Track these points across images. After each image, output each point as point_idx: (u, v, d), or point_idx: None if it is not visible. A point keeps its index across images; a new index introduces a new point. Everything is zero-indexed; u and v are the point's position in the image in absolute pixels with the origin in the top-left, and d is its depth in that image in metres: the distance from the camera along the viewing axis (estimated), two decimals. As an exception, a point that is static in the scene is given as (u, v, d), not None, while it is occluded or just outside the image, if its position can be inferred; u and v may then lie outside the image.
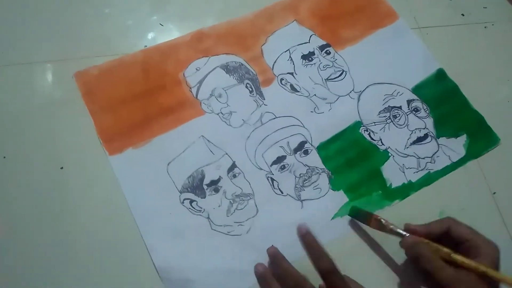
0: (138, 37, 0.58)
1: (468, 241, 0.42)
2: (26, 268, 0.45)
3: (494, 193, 0.54)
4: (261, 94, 0.57)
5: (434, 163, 0.55)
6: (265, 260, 0.47)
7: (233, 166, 0.52)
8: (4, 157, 0.50)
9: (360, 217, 0.49)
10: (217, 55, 0.58)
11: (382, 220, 0.47)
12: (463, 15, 0.66)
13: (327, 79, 0.59)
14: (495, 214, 0.53)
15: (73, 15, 0.58)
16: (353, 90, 0.58)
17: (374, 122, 0.56)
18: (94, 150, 0.51)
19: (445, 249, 0.42)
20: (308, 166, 0.53)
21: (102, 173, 0.50)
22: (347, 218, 0.50)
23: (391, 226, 0.46)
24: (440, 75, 0.60)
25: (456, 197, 0.53)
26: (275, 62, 0.59)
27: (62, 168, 0.50)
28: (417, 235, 0.45)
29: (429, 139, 0.56)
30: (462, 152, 0.56)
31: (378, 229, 0.47)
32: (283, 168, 0.52)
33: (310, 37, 0.61)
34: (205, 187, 0.50)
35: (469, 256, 0.42)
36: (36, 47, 0.56)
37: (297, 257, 0.44)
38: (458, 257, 0.41)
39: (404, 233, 0.46)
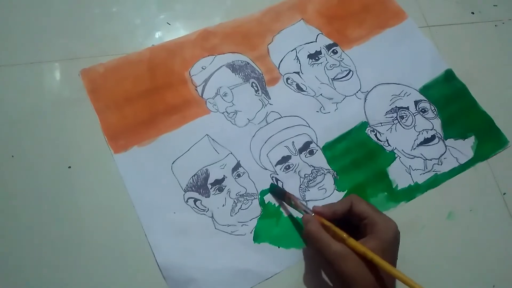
0: (146, 36, 0.58)
1: (366, 218, 0.42)
2: (33, 265, 0.46)
3: (504, 193, 0.53)
4: (266, 93, 0.57)
5: (441, 164, 0.54)
6: (270, 262, 0.47)
7: (238, 165, 0.52)
8: (12, 156, 0.50)
9: (277, 194, 0.50)
10: (223, 53, 0.58)
11: (293, 199, 0.47)
12: (473, 13, 0.65)
13: (333, 78, 0.58)
14: (505, 215, 0.53)
15: (80, 14, 0.59)
16: (360, 90, 0.58)
17: (381, 123, 0.56)
18: (102, 149, 0.51)
19: (342, 234, 0.41)
20: (313, 166, 0.53)
21: (108, 171, 0.50)
22: None
23: (300, 205, 0.46)
24: (449, 75, 0.60)
25: (465, 198, 0.53)
26: (281, 61, 0.59)
27: (70, 167, 0.50)
28: (322, 216, 0.44)
29: (436, 140, 0.55)
30: (470, 154, 0.55)
31: (292, 207, 0.48)
32: (288, 168, 0.52)
33: (317, 36, 0.61)
34: (209, 186, 0.50)
35: (365, 232, 0.42)
36: (44, 46, 0.56)
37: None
38: (352, 242, 0.40)
39: (311, 212, 0.45)
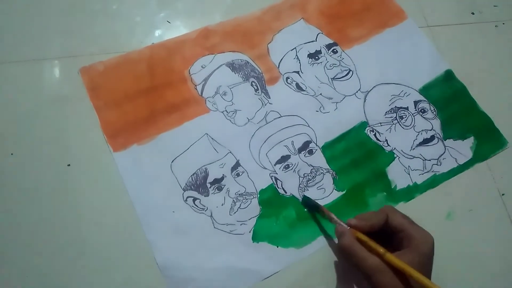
0: (146, 34, 0.58)
1: (402, 231, 0.42)
2: (31, 263, 0.46)
3: (503, 194, 0.54)
4: (266, 93, 0.56)
5: (440, 165, 0.54)
6: (269, 261, 0.47)
7: (237, 164, 0.52)
8: (12, 154, 0.50)
9: (309, 206, 0.50)
10: (223, 52, 0.58)
11: (326, 212, 0.47)
12: (473, 13, 0.65)
13: (333, 78, 0.58)
14: (504, 216, 0.53)
15: (81, 11, 0.58)
16: (359, 89, 0.58)
17: (380, 123, 0.56)
18: (101, 147, 0.51)
19: (379, 249, 0.41)
20: (312, 166, 0.53)
21: (107, 169, 0.50)
22: None
23: (334, 217, 0.46)
24: (448, 76, 0.60)
25: (464, 199, 0.53)
26: (281, 60, 0.59)
27: (69, 165, 0.50)
28: (358, 229, 0.43)
29: (435, 140, 0.55)
30: (469, 155, 0.55)
31: (325, 218, 0.48)
32: (287, 167, 0.52)
33: (317, 35, 0.60)
34: (208, 185, 0.50)
35: (401, 245, 0.41)
36: (43, 43, 0.56)
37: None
38: (391, 258, 0.40)
39: (345, 226, 0.45)
